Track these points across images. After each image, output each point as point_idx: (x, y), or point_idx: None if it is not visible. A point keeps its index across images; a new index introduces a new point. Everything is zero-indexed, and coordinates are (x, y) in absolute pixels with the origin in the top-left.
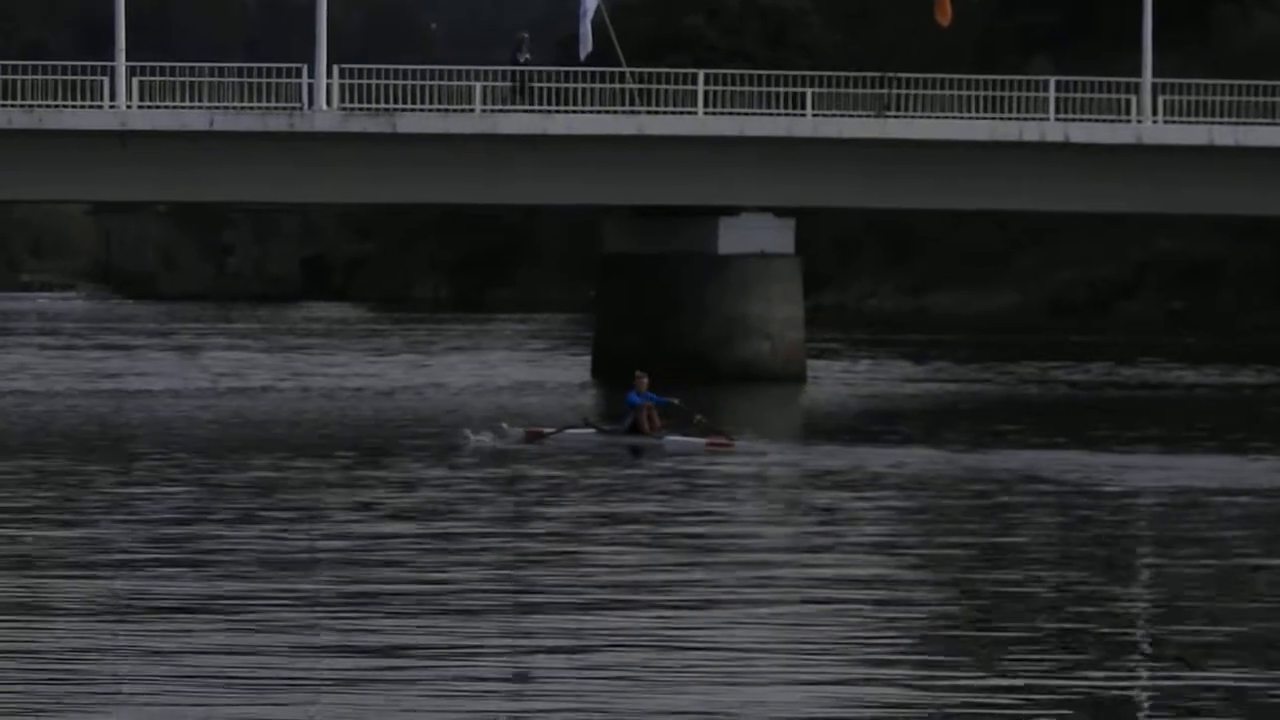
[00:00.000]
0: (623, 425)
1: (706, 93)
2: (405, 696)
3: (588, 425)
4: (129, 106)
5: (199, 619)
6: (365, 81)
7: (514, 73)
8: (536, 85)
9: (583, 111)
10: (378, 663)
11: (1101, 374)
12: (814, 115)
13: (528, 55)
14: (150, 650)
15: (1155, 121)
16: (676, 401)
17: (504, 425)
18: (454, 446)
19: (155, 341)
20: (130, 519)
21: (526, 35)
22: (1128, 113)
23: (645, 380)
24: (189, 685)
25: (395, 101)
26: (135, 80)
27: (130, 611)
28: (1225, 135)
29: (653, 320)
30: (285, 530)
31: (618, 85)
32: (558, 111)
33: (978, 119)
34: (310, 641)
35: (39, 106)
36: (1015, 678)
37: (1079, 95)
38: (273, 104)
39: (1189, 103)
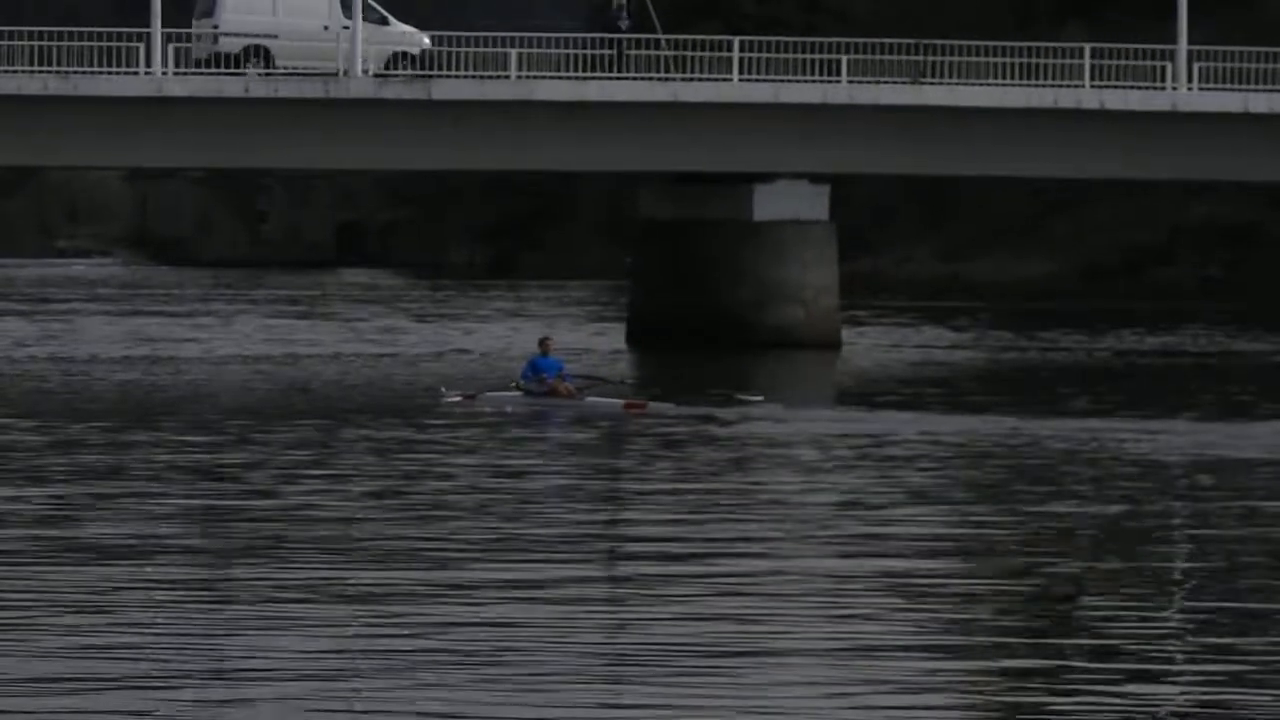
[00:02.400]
0: (543, 388)
1: (741, 59)
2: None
3: (515, 388)
4: (164, 73)
5: (234, 571)
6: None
7: (614, 40)
8: (633, 53)
9: (618, 78)
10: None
11: (1136, 341)
12: (849, 81)
13: (627, 21)
14: (186, 605)
15: (1190, 88)
16: (565, 368)
17: (442, 389)
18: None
19: (196, 308)
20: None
21: (625, 1)
22: (1163, 79)
23: (551, 342)
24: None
25: (431, 68)
26: (171, 46)
27: (166, 555)
28: (1260, 102)
29: (687, 286)
30: (322, 492)
31: (653, 52)
32: (592, 78)
33: (1013, 85)
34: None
35: (74, 73)
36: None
37: (1114, 62)
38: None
39: (1224, 69)
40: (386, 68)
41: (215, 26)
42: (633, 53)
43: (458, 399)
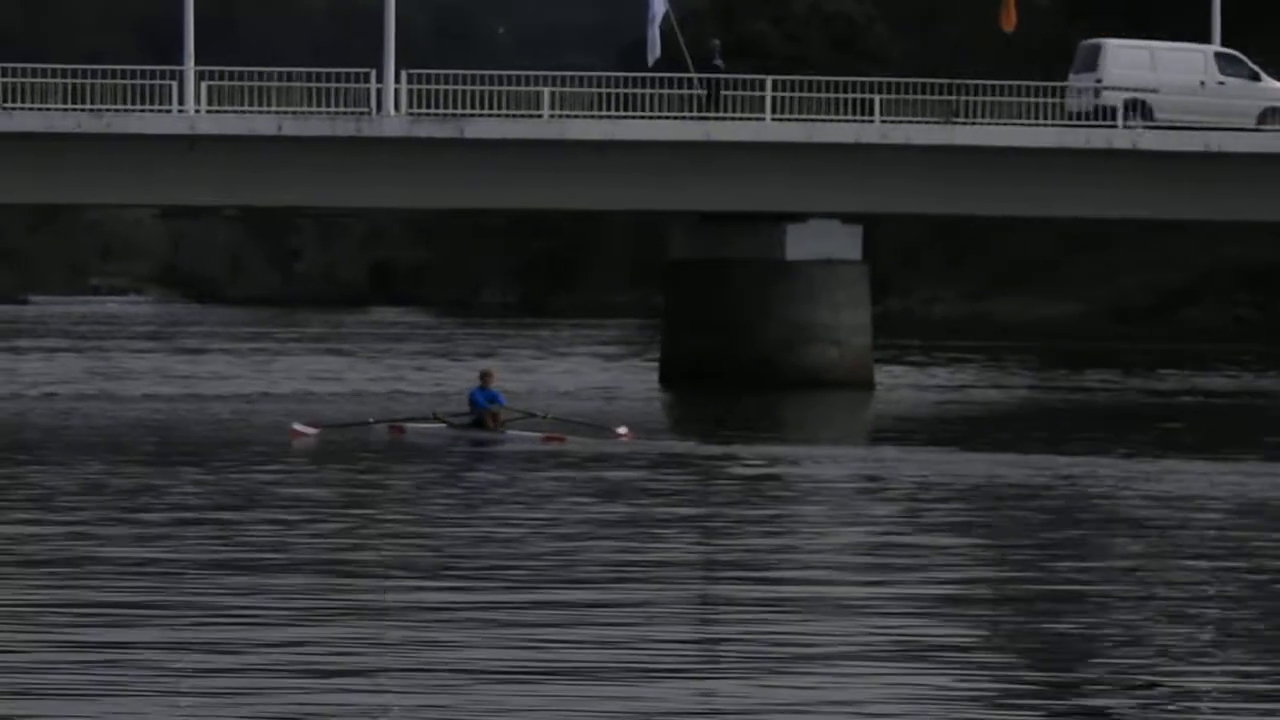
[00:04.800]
0: (467, 420)
1: (774, 99)
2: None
3: (437, 420)
4: (197, 111)
5: (264, 613)
6: (433, 86)
7: (708, 80)
8: (729, 94)
9: (650, 117)
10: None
11: (1169, 382)
12: (881, 121)
13: (720, 62)
14: (214, 642)
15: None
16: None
17: (370, 420)
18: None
19: (231, 346)
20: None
21: (718, 42)
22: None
23: (492, 378)
24: (247, 679)
25: (463, 106)
26: (203, 85)
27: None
28: None
29: (720, 326)
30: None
31: (685, 91)
32: (624, 117)
33: (1045, 125)
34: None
35: (107, 111)
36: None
37: None
38: (341, 109)
39: None
40: (1259, 123)
41: (1098, 80)
42: (729, 93)
43: (315, 432)
